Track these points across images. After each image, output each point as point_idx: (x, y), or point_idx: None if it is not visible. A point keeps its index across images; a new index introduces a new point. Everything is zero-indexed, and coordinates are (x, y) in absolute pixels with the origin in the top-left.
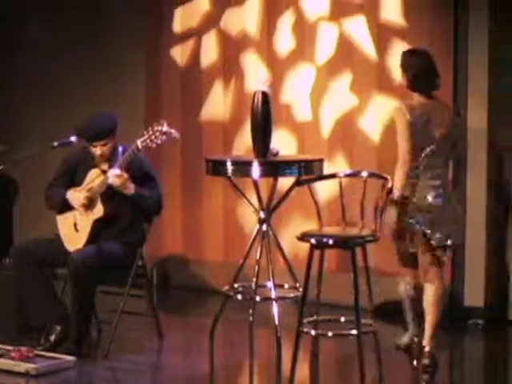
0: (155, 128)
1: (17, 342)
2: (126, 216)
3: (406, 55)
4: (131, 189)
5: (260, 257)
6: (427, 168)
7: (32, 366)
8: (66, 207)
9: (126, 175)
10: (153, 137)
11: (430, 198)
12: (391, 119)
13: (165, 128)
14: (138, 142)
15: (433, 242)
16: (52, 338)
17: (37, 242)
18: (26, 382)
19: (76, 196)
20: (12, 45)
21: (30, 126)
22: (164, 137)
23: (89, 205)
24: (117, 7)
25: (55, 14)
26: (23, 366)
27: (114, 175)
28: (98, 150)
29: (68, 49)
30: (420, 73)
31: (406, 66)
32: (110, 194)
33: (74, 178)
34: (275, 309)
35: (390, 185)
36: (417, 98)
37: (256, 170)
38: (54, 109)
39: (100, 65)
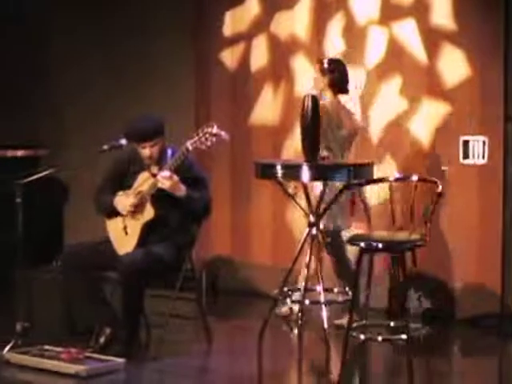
0: (205, 130)
1: (66, 344)
2: (175, 218)
3: (330, 61)
4: (182, 191)
5: (309, 260)
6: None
7: (82, 367)
8: (116, 211)
9: (176, 177)
10: (203, 139)
11: None
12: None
13: (214, 130)
14: (188, 144)
15: None
16: (102, 340)
17: (86, 246)
18: None
19: (123, 203)
20: (55, 49)
21: (74, 130)
22: (214, 139)
23: (137, 210)
24: (166, 11)
25: (100, 16)
26: (73, 368)
27: (164, 177)
28: (147, 151)
29: (115, 52)
30: (343, 77)
31: (331, 69)
32: (159, 197)
33: (123, 182)
34: (324, 313)
35: (439, 189)
36: (333, 99)
37: (306, 173)
38: (100, 113)
39: (149, 68)
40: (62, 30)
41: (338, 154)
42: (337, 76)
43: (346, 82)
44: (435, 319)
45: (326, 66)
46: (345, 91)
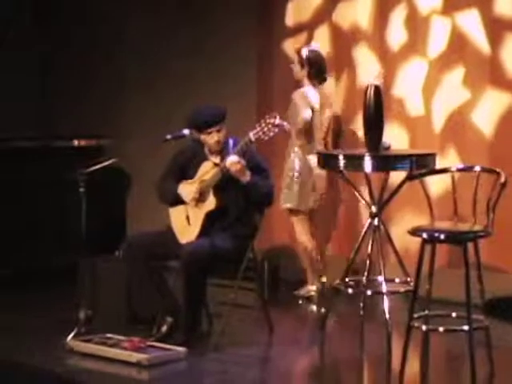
0: (267, 120)
1: (129, 332)
2: (237, 208)
3: (308, 53)
4: (247, 176)
5: (371, 251)
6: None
7: (144, 356)
8: (178, 200)
9: (243, 162)
10: (265, 129)
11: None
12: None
13: (277, 121)
14: (251, 134)
15: None
16: (163, 329)
17: (148, 235)
18: (138, 372)
19: (187, 190)
20: (117, 38)
21: (137, 120)
22: (276, 129)
23: (200, 198)
24: (229, 0)
25: (162, 4)
26: (135, 357)
27: (233, 161)
28: (214, 136)
29: (177, 42)
30: (320, 67)
31: (309, 62)
32: (222, 187)
33: (185, 172)
34: (386, 303)
35: (503, 179)
36: (311, 88)
37: (368, 163)
38: (162, 102)
39: (211, 57)
40: (121, 19)
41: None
42: (315, 68)
43: (325, 72)
44: (497, 310)
45: (304, 57)
46: (323, 81)
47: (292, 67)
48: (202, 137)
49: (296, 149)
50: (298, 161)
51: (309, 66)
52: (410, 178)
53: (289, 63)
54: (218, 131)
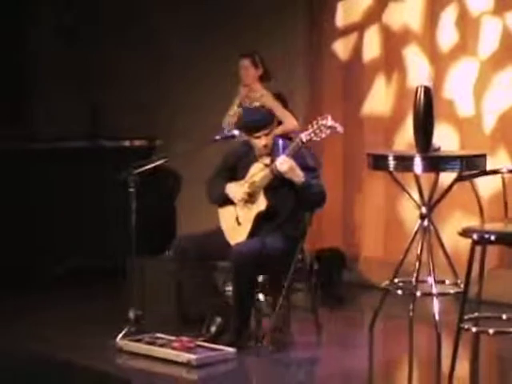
0: (320, 122)
1: (178, 332)
2: (287, 209)
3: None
4: (301, 177)
5: (421, 252)
6: None
7: (193, 356)
8: (228, 201)
9: (293, 162)
10: (317, 131)
11: None
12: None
13: (329, 122)
14: (303, 136)
15: None
16: (213, 329)
17: (199, 236)
18: (187, 372)
19: (235, 190)
20: (164, 37)
21: (187, 120)
22: (328, 131)
23: (250, 199)
24: (279, 2)
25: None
26: (184, 357)
27: (283, 161)
28: (262, 141)
29: (226, 42)
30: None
31: (263, 61)
32: (272, 188)
33: (235, 173)
34: (436, 305)
35: None
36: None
37: (418, 164)
38: (211, 102)
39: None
40: (167, 17)
41: None
42: (266, 67)
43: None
44: None
45: (258, 58)
46: (269, 80)
47: (244, 72)
48: (251, 140)
49: None
50: None
51: (263, 66)
52: (460, 179)
53: (339, 64)
54: (267, 135)
